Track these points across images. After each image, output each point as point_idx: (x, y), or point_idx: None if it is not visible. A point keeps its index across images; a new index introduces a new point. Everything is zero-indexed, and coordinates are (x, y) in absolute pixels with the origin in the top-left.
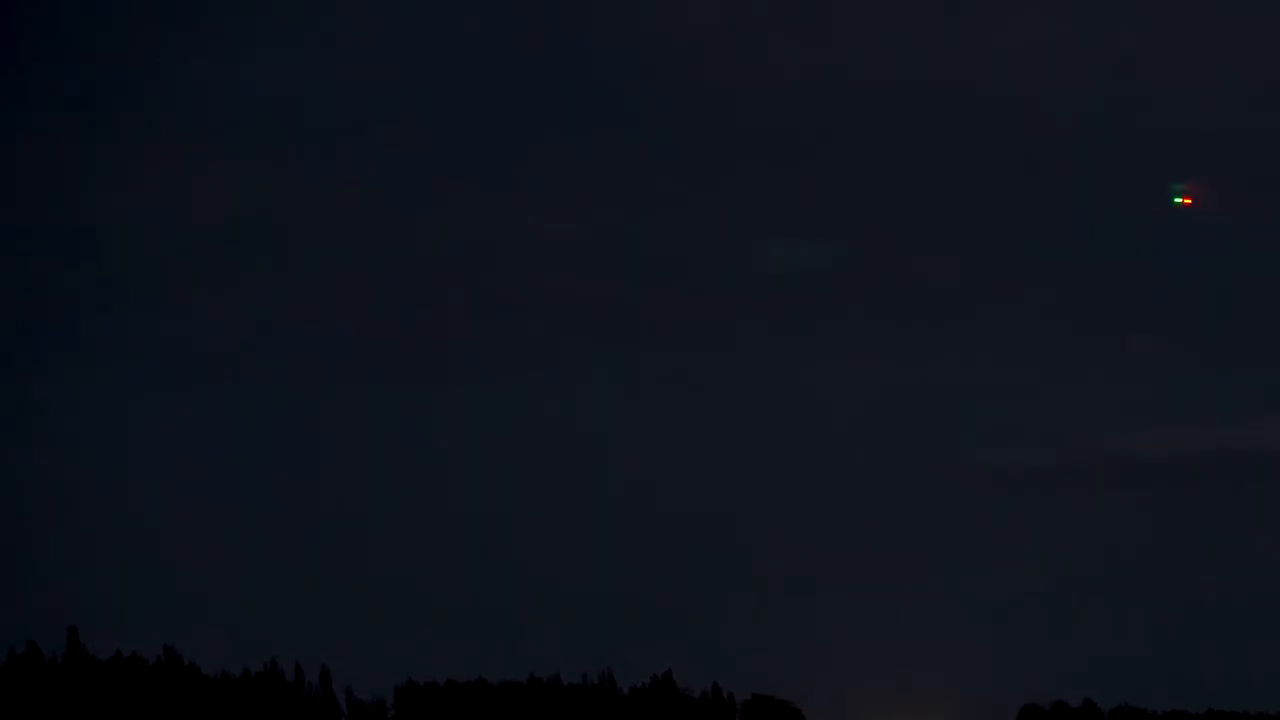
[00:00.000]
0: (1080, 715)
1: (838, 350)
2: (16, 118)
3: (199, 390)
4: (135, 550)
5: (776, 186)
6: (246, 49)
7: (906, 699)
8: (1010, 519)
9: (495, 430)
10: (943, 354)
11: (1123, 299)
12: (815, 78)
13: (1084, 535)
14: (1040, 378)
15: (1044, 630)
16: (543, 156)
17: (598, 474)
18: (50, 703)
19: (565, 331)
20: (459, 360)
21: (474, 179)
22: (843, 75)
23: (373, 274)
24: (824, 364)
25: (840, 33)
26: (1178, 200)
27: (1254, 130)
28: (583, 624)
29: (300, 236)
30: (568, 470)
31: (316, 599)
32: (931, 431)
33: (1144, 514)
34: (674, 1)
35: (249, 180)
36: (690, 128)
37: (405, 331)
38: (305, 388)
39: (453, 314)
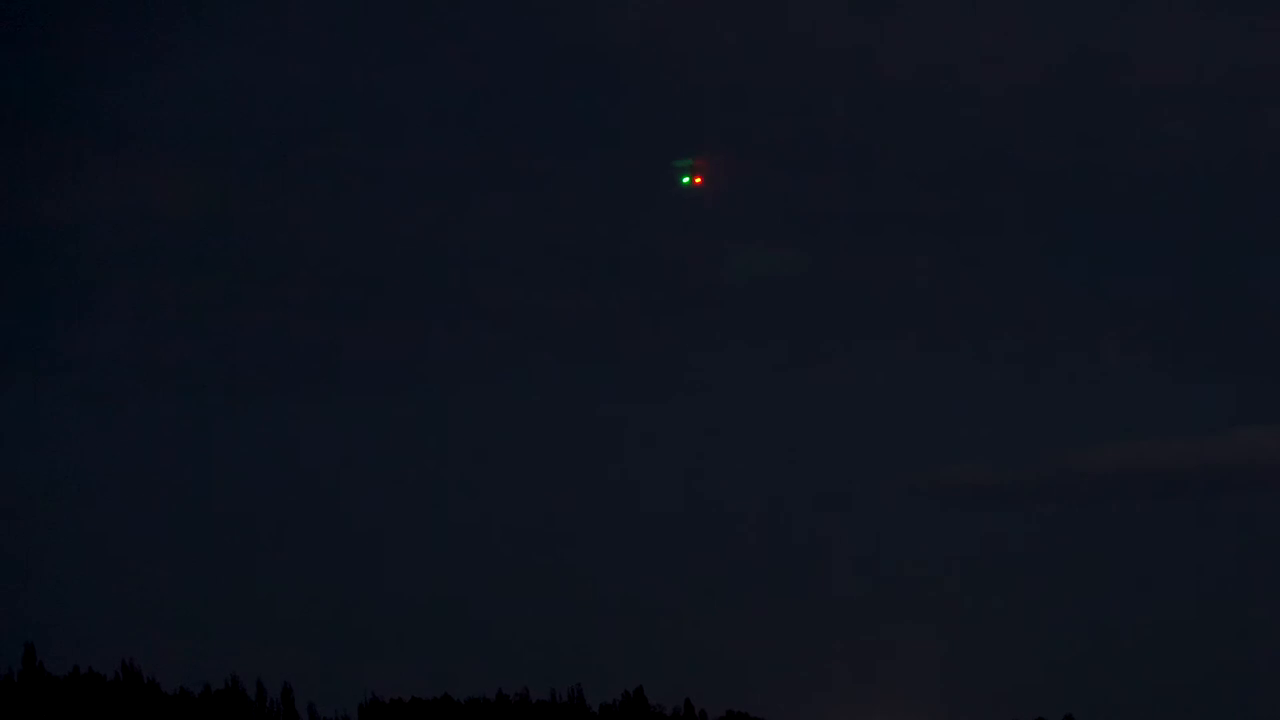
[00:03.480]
0: None
1: (802, 359)
2: None
3: (159, 398)
4: (93, 564)
5: (746, 190)
6: (213, 51)
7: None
8: (979, 534)
9: (470, 437)
10: (908, 364)
11: (1094, 306)
12: (791, 84)
13: (1063, 550)
14: (1013, 389)
15: (1006, 650)
16: (519, 161)
17: (571, 479)
18: None
19: (537, 339)
20: (435, 369)
21: (447, 185)
22: (816, 76)
23: (345, 281)
24: (790, 373)
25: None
26: (686, 181)
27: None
28: (553, 638)
29: (267, 242)
30: (541, 476)
31: (279, 613)
32: (892, 444)
33: (1127, 527)
34: (636, 2)
35: (214, 185)
36: (659, 132)
37: (363, 339)
38: (273, 397)
39: (427, 321)
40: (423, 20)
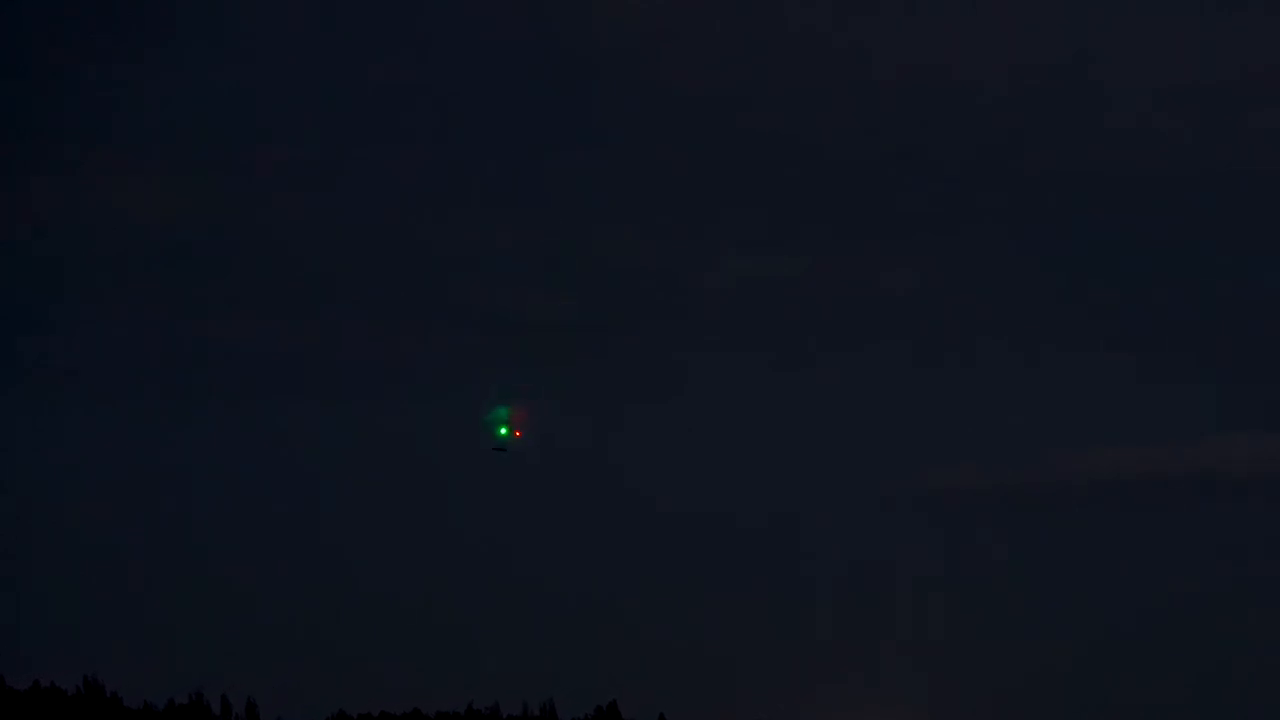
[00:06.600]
0: None
1: (793, 362)
2: None
3: (122, 408)
4: (54, 577)
5: (735, 196)
6: (199, 52)
7: None
8: (968, 537)
9: (443, 447)
10: (901, 367)
11: (1086, 309)
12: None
13: (1055, 553)
14: (1004, 392)
15: (997, 655)
16: (511, 164)
17: (546, 487)
18: None
19: (509, 344)
20: (417, 373)
21: (436, 186)
22: (811, 76)
23: (332, 283)
24: (780, 378)
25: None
26: (505, 433)
27: None
28: (524, 650)
29: (252, 244)
30: (515, 486)
31: (243, 626)
32: (882, 447)
33: (1118, 531)
34: (620, 5)
35: (199, 186)
36: (649, 137)
37: (349, 345)
38: (244, 406)
39: (412, 324)
40: (412, 22)
